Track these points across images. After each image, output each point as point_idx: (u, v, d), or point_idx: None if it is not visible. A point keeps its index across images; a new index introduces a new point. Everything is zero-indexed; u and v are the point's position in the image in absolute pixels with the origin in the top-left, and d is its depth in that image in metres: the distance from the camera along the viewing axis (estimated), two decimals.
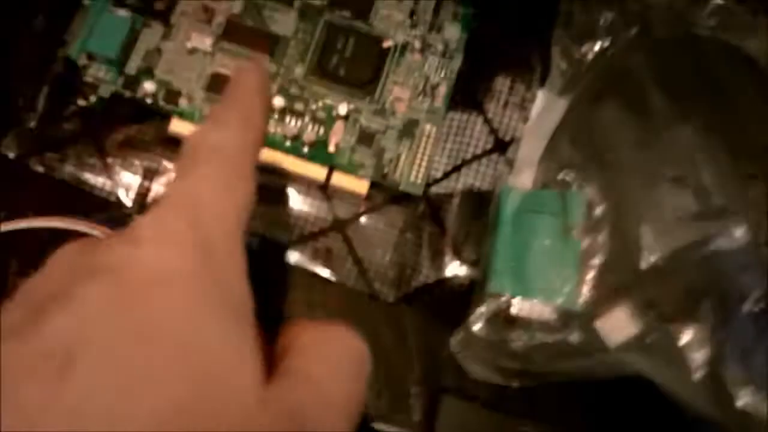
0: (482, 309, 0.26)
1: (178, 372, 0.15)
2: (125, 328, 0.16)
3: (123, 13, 0.29)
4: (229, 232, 0.18)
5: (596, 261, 0.27)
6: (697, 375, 0.27)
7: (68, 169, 0.28)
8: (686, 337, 0.27)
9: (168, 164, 0.29)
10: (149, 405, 0.15)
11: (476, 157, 0.29)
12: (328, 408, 0.17)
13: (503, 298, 0.27)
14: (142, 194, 0.28)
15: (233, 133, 0.20)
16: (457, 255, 0.28)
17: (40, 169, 0.28)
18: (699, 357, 0.27)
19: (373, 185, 0.28)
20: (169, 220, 0.17)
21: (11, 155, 0.28)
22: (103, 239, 0.18)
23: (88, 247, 0.17)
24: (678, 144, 0.29)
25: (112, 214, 0.27)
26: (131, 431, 0.15)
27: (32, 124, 0.27)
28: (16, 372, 0.15)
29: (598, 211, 0.28)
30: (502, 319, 0.27)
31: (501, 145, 0.29)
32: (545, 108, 0.29)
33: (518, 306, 0.26)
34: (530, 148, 0.29)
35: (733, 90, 0.30)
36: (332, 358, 0.18)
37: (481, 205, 0.28)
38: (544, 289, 0.26)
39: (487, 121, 0.29)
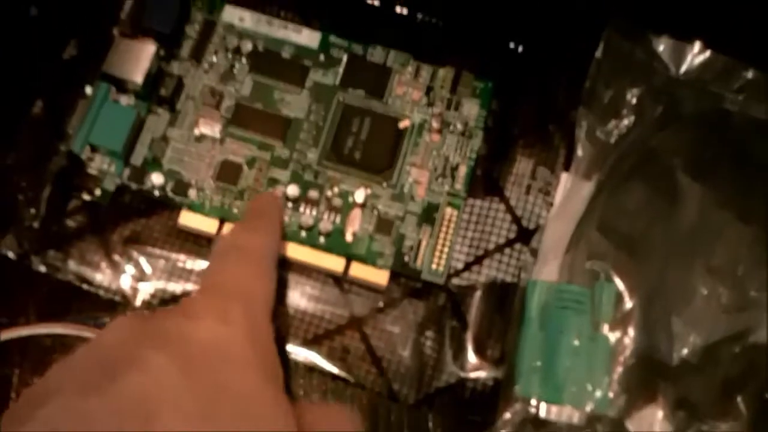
0: (508, 414, 0.27)
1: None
2: (197, 391, 0.19)
3: (127, 100, 0.28)
4: (268, 318, 0.23)
5: (626, 357, 0.28)
6: None
7: (72, 267, 0.28)
8: None
9: (178, 260, 0.29)
10: None
11: (499, 248, 0.29)
12: None
13: (531, 402, 0.26)
14: (151, 294, 0.29)
15: (264, 237, 0.26)
16: (480, 353, 0.28)
17: (42, 268, 0.28)
18: None
19: (393, 275, 0.29)
20: (225, 303, 0.22)
21: (11, 255, 0.27)
22: (160, 313, 0.22)
23: (146, 318, 0.21)
24: (710, 230, 0.29)
25: None
26: None
27: (35, 224, 0.27)
28: (103, 424, 0.18)
29: (628, 302, 0.28)
30: (530, 424, 0.26)
31: (524, 234, 0.29)
32: (570, 192, 0.29)
33: (546, 410, 0.26)
34: (555, 236, 0.29)
35: (767, 170, 0.29)
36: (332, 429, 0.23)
37: (504, 299, 0.28)
38: (574, 394, 0.26)
39: (509, 208, 0.29)
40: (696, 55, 0.31)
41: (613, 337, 0.28)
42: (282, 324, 0.28)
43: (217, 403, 0.19)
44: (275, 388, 0.21)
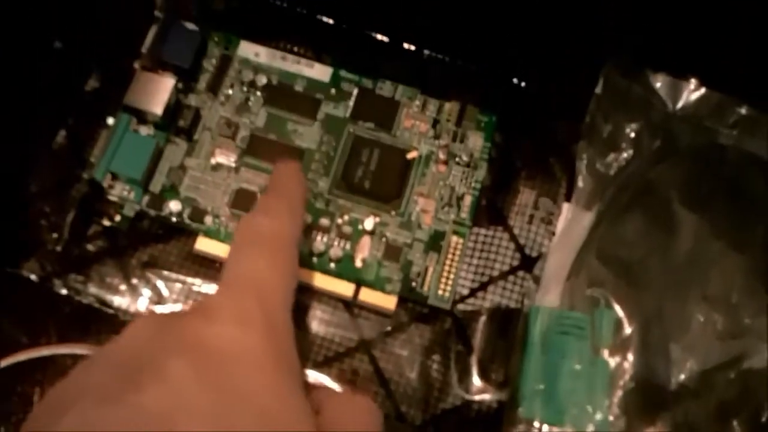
0: None
1: None
2: (214, 398, 0.19)
3: (146, 130, 0.30)
4: (285, 309, 0.23)
5: (626, 381, 0.29)
6: None
7: (92, 290, 0.30)
8: None
9: (194, 284, 0.30)
10: None
11: (503, 275, 0.30)
12: None
13: (534, 424, 0.27)
14: None
15: (283, 221, 0.25)
16: (485, 376, 0.29)
17: (64, 291, 0.29)
18: None
19: (401, 300, 0.31)
20: (241, 301, 0.22)
21: (34, 278, 0.29)
22: (177, 314, 0.22)
23: (166, 321, 0.21)
24: (706, 260, 0.31)
25: None
26: None
27: (57, 248, 0.28)
28: None
29: (627, 329, 0.29)
30: None
31: (527, 262, 0.30)
32: (571, 222, 0.31)
33: (548, 431, 0.27)
34: (557, 264, 0.30)
35: (760, 202, 0.31)
36: (352, 421, 0.23)
37: (508, 324, 0.30)
38: (575, 416, 0.28)
39: (512, 236, 0.30)
40: (692, 91, 0.33)
41: (612, 361, 0.29)
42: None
43: (236, 412, 0.19)
44: (294, 389, 0.21)
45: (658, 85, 0.33)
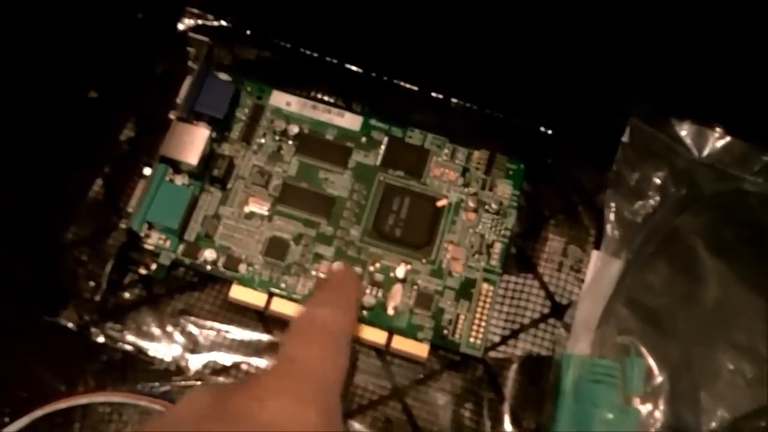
0: None
1: None
2: None
3: (182, 180, 0.31)
4: (337, 393, 0.25)
5: (657, 430, 0.30)
6: None
7: (128, 338, 0.31)
8: None
9: (228, 332, 0.32)
10: None
11: (533, 323, 0.31)
12: None
13: None
14: (203, 364, 0.31)
15: (338, 313, 0.27)
16: (517, 424, 0.30)
17: (101, 339, 0.30)
18: None
19: (433, 348, 0.32)
20: (300, 384, 0.24)
21: (71, 326, 0.30)
22: (232, 388, 0.24)
23: (221, 394, 0.24)
24: (731, 307, 0.32)
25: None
26: None
27: (96, 297, 0.29)
28: None
29: (657, 377, 0.30)
30: None
31: (558, 309, 0.31)
32: (600, 270, 0.32)
33: None
34: (587, 312, 0.31)
35: None
36: None
37: (539, 371, 0.31)
38: None
39: (542, 284, 0.31)
40: (717, 139, 0.34)
41: (644, 409, 0.30)
42: None
43: None
44: None
45: (683, 133, 0.34)
